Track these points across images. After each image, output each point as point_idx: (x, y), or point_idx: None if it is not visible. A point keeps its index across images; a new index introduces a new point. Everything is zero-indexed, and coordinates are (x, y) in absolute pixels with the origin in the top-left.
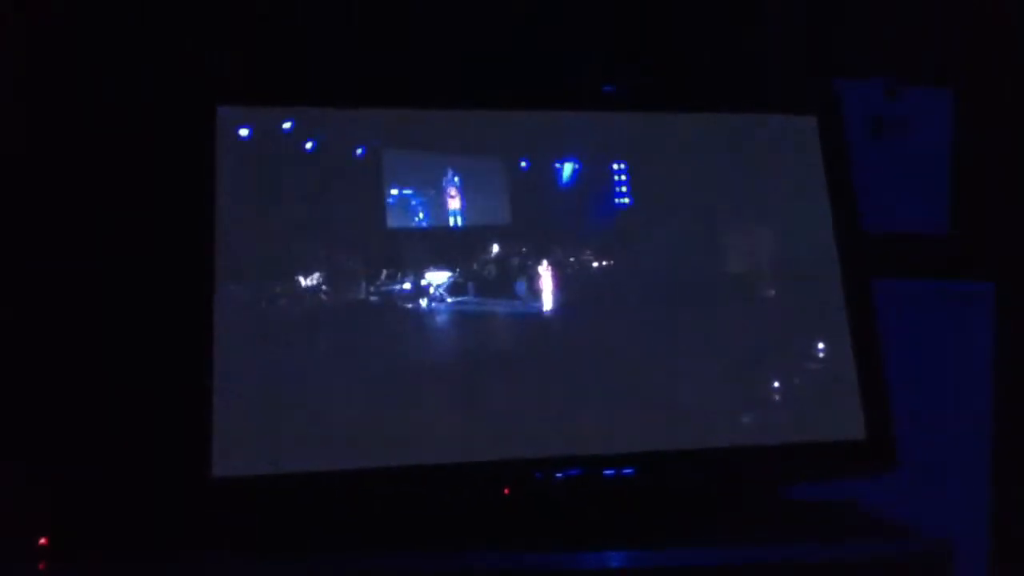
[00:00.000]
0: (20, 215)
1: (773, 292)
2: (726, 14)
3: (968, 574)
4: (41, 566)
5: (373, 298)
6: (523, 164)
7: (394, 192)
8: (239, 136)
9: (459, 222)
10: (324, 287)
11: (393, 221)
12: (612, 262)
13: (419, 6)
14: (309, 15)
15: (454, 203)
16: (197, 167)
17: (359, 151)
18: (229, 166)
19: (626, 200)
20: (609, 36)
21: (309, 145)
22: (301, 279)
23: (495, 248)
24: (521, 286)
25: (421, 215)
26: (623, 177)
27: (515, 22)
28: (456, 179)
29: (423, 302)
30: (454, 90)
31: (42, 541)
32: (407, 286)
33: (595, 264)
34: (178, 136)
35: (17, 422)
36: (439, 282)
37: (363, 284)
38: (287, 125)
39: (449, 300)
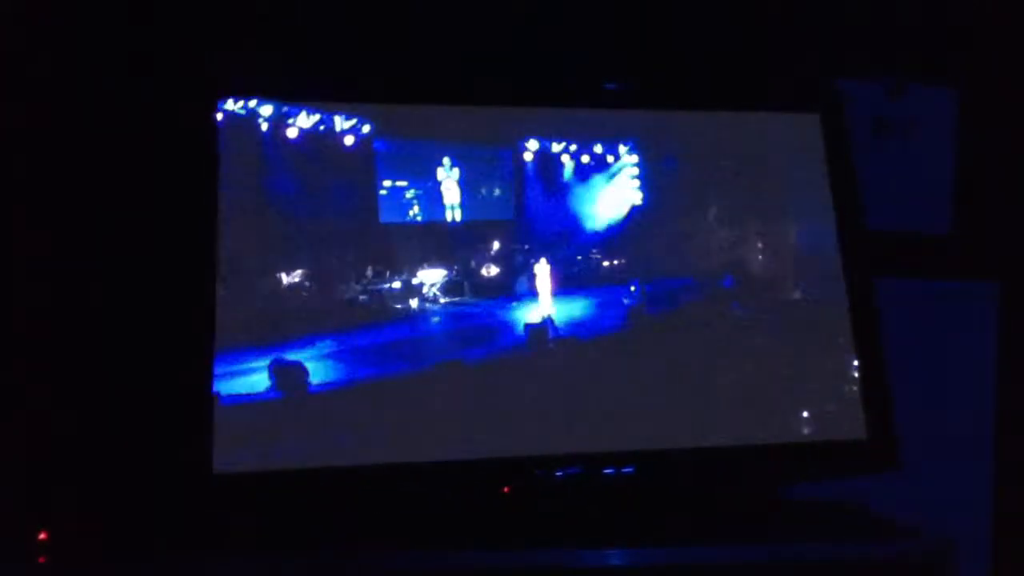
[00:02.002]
0: (21, 212)
1: (775, 291)
2: (728, 13)
3: (970, 574)
4: (41, 560)
5: (370, 296)
6: (527, 155)
7: (387, 184)
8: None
9: (457, 217)
10: (318, 285)
11: (386, 215)
12: (612, 260)
13: (419, 4)
14: (310, 11)
15: (451, 196)
16: (198, 161)
17: (350, 140)
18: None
19: (628, 197)
20: (610, 34)
21: (294, 134)
22: (297, 277)
23: (496, 245)
24: (522, 285)
25: (416, 209)
26: (626, 173)
27: (516, 20)
28: (455, 170)
29: (419, 301)
30: (454, 86)
31: (42, 535)
32: (400, 285)
33: (593, 262)
34: (178, 129)
35: (19, 419)
36: (434, 281)
37: (359, 282)
38: (269, 111)
39: (443, 300)
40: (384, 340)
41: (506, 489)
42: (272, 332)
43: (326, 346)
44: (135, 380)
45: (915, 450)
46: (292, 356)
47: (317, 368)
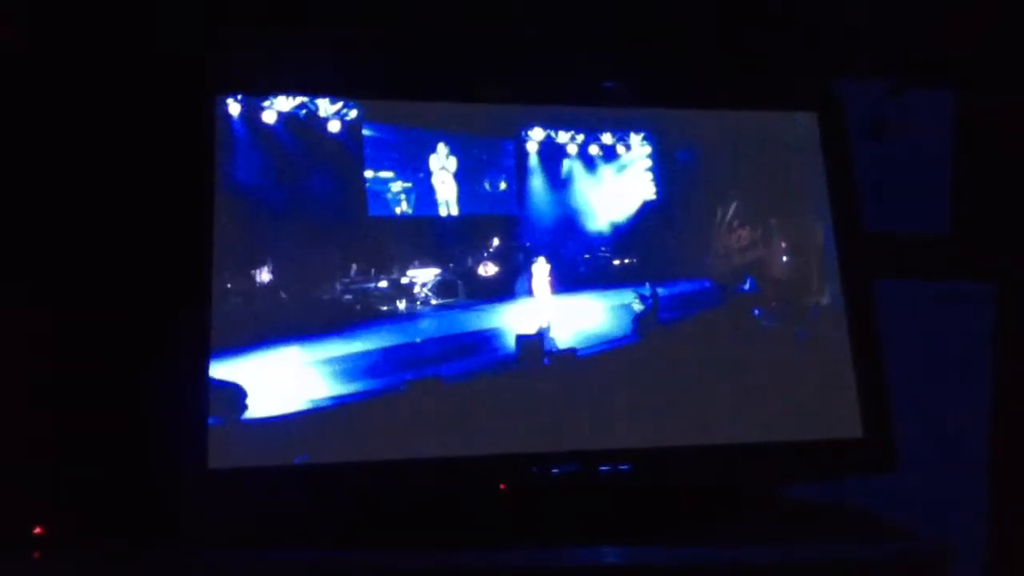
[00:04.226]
0: (21, 207)
1: (773, 290)
2: (728, 12)
3: (966, 575)
4: (36, 555)
5: (353, 296)
6: (530, 145)
7: (376, 174)
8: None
9: (452, 211)
10: (296, 285)
11: (375, 208)
12: (622, 259)
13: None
14: (309, 6)
15: (447, 188)
16: (193, 158)
17: (335, 126)
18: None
19: (640, 191)
20: (610, 32)
21: (271, 117)
22: (273, 276)
23: (494, 242)
24: (522, 286)
25: (408, 202)
26: (638, 165)
27: (514, 18)
28: (451, 160)
29: (407, 302)
30: (453, 83)
31: (37, 530)
32: (387, 284)
33: (602, 261)
34: (173, 125)
35: (18, 416)
36: (425, 280)
37: (342, 281)
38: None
39: (435, 302)
40: (360, 348)
41: (503, 486)
42: (239, 336)
43: (291, 355)
44: (131, 377)
45: (912, 450)
46: (247, 367)
47: (275, 383)
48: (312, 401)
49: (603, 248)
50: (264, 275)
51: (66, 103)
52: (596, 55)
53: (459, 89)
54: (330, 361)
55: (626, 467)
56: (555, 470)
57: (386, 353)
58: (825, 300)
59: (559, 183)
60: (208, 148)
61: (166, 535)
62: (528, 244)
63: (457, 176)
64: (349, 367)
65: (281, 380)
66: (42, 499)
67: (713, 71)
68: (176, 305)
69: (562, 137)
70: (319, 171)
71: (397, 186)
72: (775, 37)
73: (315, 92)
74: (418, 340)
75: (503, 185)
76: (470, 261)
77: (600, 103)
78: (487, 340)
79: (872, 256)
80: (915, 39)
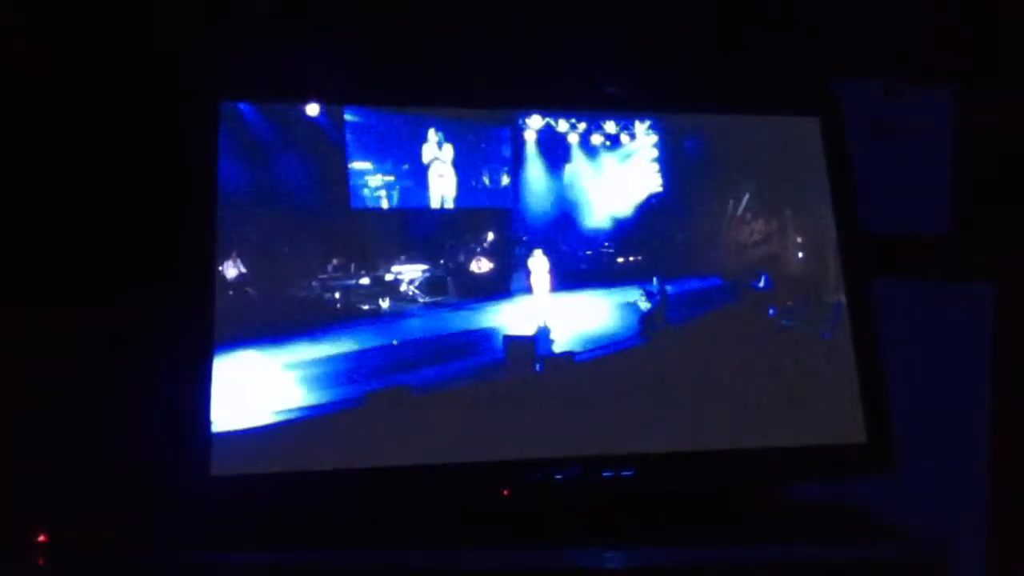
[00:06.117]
0: (22, 209)
1: (773, 291)
2: (728, 11)
3: (966, 575)
4: (40, 562)
5: (332, 294)
6: (528, 133)
7: (359, 164)
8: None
9: (446, 203)
10: (267, 282)
11: (357, 200)
12: (626, 255)
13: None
14: (310, 10)
15: (442, 179)
16: (195, 162)
17: (314, 110)
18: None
19: (646, 182)
20: (610, 35)
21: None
22: (243, 272)
23: (489, 236)
24: (518, 283)
25: (395, 193)
26: (644, 154)
27: (516, 18)
28: (446, 149)
29: (390, 301)
30: (451, 86)
31: (41, 538)
32: (368, 281)
33: (605, 257)
34: (177, 130)
35: (19, 417)
36: (412, 277)
37: (318, 278)
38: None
39: (422, 300)
40: (340, 351)
41: (506, 492)
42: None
43: (259, 358)
44: (133, 381)
45: (912, 450)
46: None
47: (244, 389)
48: (293, 408)
49: (606, 242)
50: (231, 271)
51: (65, 103)
52: (594, 57)
53: (458, 92)
54: (303, 364)
55: (629, 472)
56: (558, 475)
57: (368, 355)
58: (844, 298)
59: (559, 173)
60: (211, 154)
61: (169, 540)
62: (525, 238)
63: (455, 166)
64: (328, 371)
65: (249, 386)
66: (45, 505)
67: (713, 72)
68: (178, 307)
69: (562, 125)
70: (295, 158)
71: (382, 176)
72: (775, 37)
73: (314, 97)
74: (395, 342)
75: (501, 176)
76: (462, 256)
77: (597, 107)
78: (479, 342)
79: (872, 256)
80: (915, 39)
